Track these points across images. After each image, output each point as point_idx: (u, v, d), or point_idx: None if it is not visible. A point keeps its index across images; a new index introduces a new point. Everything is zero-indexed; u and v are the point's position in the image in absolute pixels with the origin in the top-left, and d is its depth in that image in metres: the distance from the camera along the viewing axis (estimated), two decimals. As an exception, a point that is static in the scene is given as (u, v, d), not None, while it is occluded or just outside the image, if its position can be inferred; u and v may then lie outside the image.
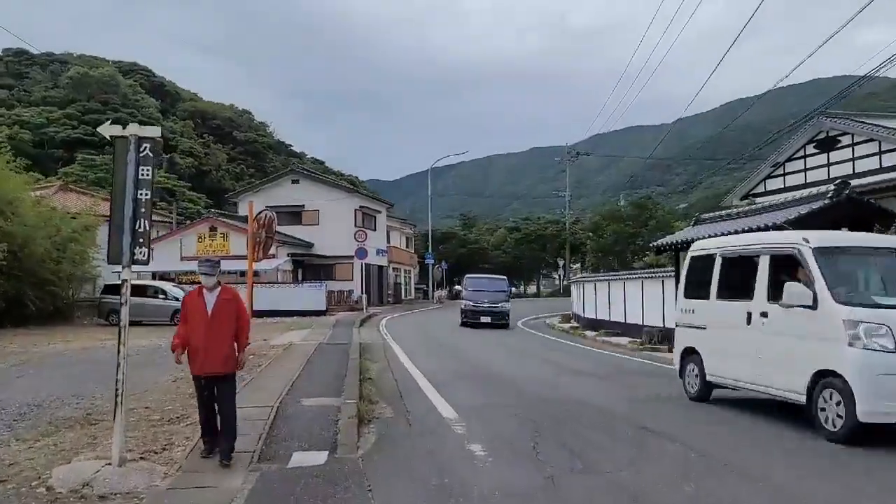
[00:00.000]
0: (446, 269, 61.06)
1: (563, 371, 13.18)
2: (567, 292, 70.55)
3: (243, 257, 36.82)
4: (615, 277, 23.86)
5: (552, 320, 33.72)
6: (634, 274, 22.04)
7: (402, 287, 56.05)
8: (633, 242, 29.77)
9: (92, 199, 36.12)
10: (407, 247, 60.59)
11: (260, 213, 14.20)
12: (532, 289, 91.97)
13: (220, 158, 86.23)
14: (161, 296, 30.36)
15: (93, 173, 64.20)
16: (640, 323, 20.79)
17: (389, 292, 49.81)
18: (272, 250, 37.72)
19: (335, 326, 25.02)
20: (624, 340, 20.34)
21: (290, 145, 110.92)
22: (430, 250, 54.96)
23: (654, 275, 19.83)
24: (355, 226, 40.66)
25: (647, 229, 29.29)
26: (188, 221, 43.07)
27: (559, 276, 79.63)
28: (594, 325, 25.71)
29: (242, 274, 38.73)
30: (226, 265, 34.64)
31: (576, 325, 28.31)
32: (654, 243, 17.95)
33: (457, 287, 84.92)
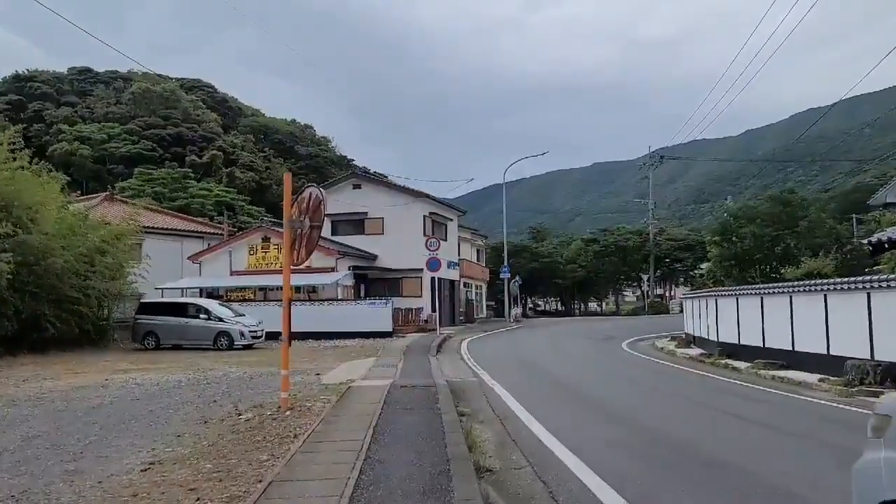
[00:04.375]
0: (520, 285, 55.57)
1: (824, 449, 7.64)
2: (653, 310, 64.38)
3: (299, 270, 32.52)
4: (772, 291, 18.08)
5: (661, 343, 28.03)
6: (809, 286, 16.29)
7: (474, 304, 50.85)
8: (773, 248, 23.68)
9: (133, 208, 32.19)
10: (478, 260, 55.49)
11: (302, 191, 9.30)
12: (608, 306, 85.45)
13: (282, 173, 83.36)
14: (203, 316, 26.11)
15: (150, 187, 61.75)
16: (824, 352, 15.07)
17: (461, 310, 44.67)
18: (332, 262, 33.31)
19: (406, 354, 20.05)
20: (804, 377, 14.65)
21: (353, 160, 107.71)
22: (505, 263, 49.60)
23: (852, 286, 14.12)
24: (424, 234, 35.81)
25: (795, 232, 23.09)
26: (240, 233, 39.04)
27: (644, 290, 73.07)
28: (734, 351, 19.97)
29: (298, 290, 34.48)
30: (278, 280, 30.38)
31: (704, 351, 22.55)
32: (873, 238, 12.36)
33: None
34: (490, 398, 11.19)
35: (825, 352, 15.08)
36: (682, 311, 61.82)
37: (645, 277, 69.88)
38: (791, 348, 16.77)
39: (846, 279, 14.68)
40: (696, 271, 70.77)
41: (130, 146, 71.97)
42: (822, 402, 11.74)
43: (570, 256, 72.88)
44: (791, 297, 16.83)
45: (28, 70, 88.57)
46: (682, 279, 74.58)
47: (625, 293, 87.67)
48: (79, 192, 42.53)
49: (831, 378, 13.86)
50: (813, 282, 16.30)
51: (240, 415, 9.38)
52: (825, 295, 15.19)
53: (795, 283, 17.49)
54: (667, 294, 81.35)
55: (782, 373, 15.75)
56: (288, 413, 8.95)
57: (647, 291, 71.65)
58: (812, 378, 14.33)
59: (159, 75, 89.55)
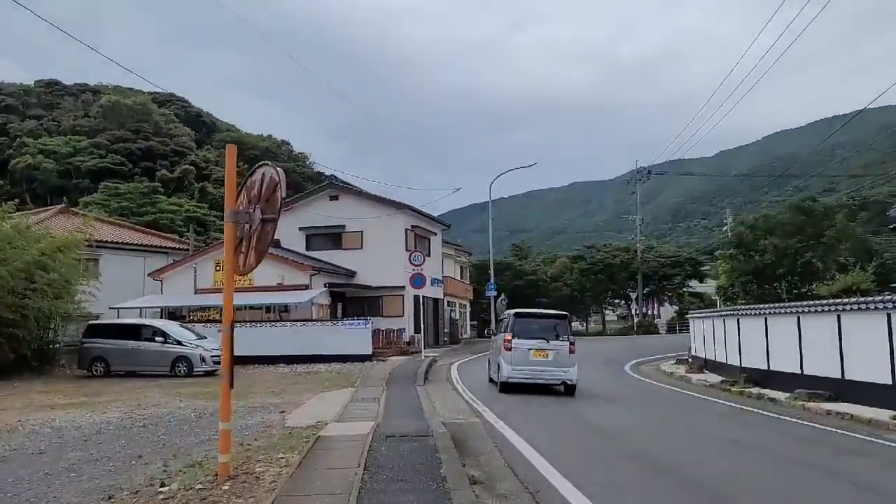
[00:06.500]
0: (507, 303, 52.97)
1: None
2: (642, 330, 62.05)
3: (270, 288, 29.73)
4: (813, 309, 15.68)
5: (667, 366, 25.67)
6: (862, 303, 13.90)
7: (459, 324, 48.15)
8: (796, 261, 21.33)
9: (84, 219, 29.23)
10: (462, 277, 52.89)
11: (253, 171, 6.67)
12: (594, 325, 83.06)
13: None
14: (160, 339, 23.21)
15: (115, 202, 58.53)
16: (887, 381, 12.68)
17: (445, 330, 41.98)
18: (305, 279, 30.54)
19: (390, 383, 17.35)
20: (871, 412, 12.25)
21: (331, 175, 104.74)
22: (491, 280, 47.03)
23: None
24: (406, 249, 33.19)
25: (821, 243, 20.77)
26: (206, 247, 36.08)
27: (632, 310, 70.82)
28: (761, 378, 17.62)
29: (268, 309, 31.67)
30: (251, 299, 27.59)
31: (723, 378, 20.13)
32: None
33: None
34: (503, 448, 8.58)
35: (889, 381, 12.69)
36: (670, 332, 59.86)
37: (633, 296, 67.69)
38: (840, 376, 14.37)
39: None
40: (686, 289, 68.70)
41: (97, 160, 68.68)
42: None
43: (554, 274, 70.52)
44: (839, 316, 14.44)
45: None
46: (668, 297, 72.33)
47: (608, 311, 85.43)
48: (23, 204, 39.30)
49: (905, 414, 11.46)
50: (868, 299, 13.90)
51: (162, 485, 6.69)
52: (889, 314, 12.81)
53: (843, 300, 15.07)
54: (652, 313, 79.23)
55: (835, 406, 13.35)
56: (227, 486, 6.25)
57: (636, 311, 69.40)
58: (882, 415, 11.89)
59: (130, 89, 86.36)
